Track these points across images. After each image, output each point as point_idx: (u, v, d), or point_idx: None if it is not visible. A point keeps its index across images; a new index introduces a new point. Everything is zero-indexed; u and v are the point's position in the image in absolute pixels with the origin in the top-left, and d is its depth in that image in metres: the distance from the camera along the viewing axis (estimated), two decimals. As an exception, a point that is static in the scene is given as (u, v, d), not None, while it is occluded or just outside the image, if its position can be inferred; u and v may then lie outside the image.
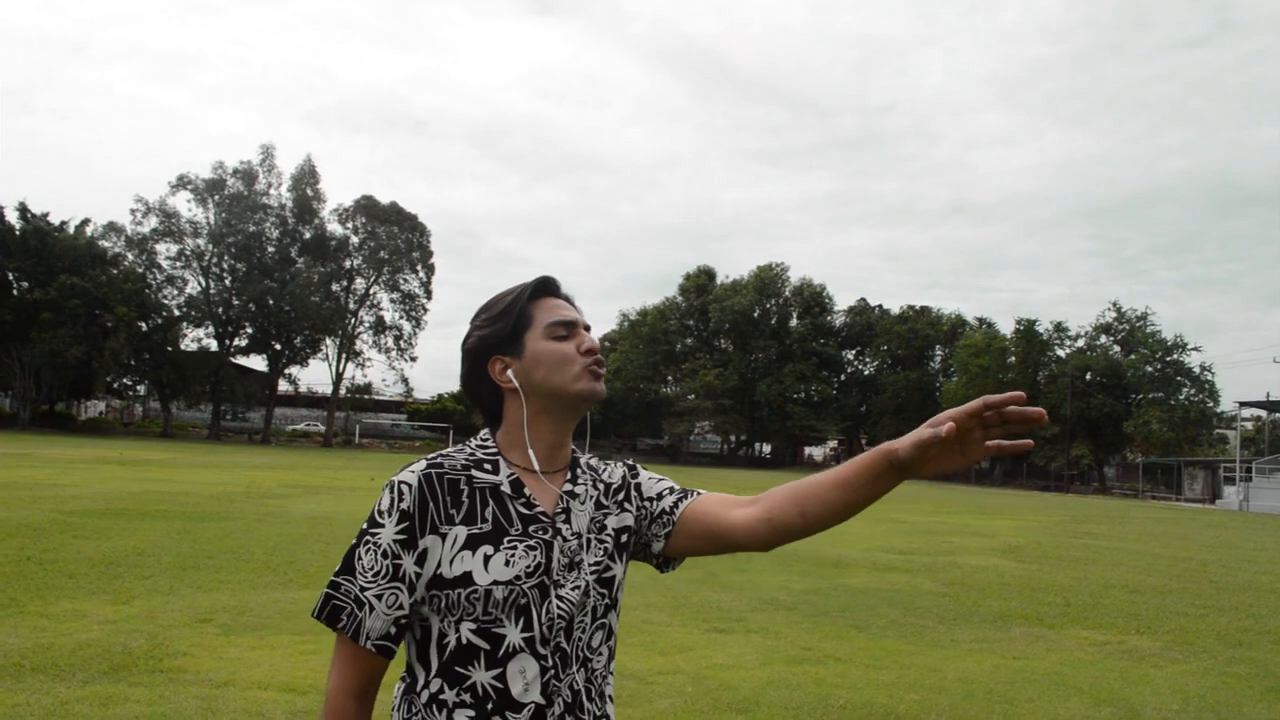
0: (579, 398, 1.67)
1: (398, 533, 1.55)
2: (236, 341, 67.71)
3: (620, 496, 1.79)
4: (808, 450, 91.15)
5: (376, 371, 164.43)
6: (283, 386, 71.60)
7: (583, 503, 1.73)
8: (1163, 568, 15.96)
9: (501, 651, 1.56)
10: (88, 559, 10.29)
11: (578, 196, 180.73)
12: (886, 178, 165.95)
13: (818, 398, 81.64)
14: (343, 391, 71.70)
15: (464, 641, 1.55)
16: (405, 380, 74.01)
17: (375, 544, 1.56)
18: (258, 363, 70.66)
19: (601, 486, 1.78)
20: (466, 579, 1.55)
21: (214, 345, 66.87)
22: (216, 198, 65.24)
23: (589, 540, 1.71)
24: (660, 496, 1.79)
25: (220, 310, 65.74)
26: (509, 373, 1.69)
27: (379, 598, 1.55)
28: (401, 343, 71.82)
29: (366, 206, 69.58)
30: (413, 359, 74.08)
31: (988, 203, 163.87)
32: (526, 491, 1.65)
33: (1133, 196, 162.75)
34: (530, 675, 1.56)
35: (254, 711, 5.47)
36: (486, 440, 1.71)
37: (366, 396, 75.27)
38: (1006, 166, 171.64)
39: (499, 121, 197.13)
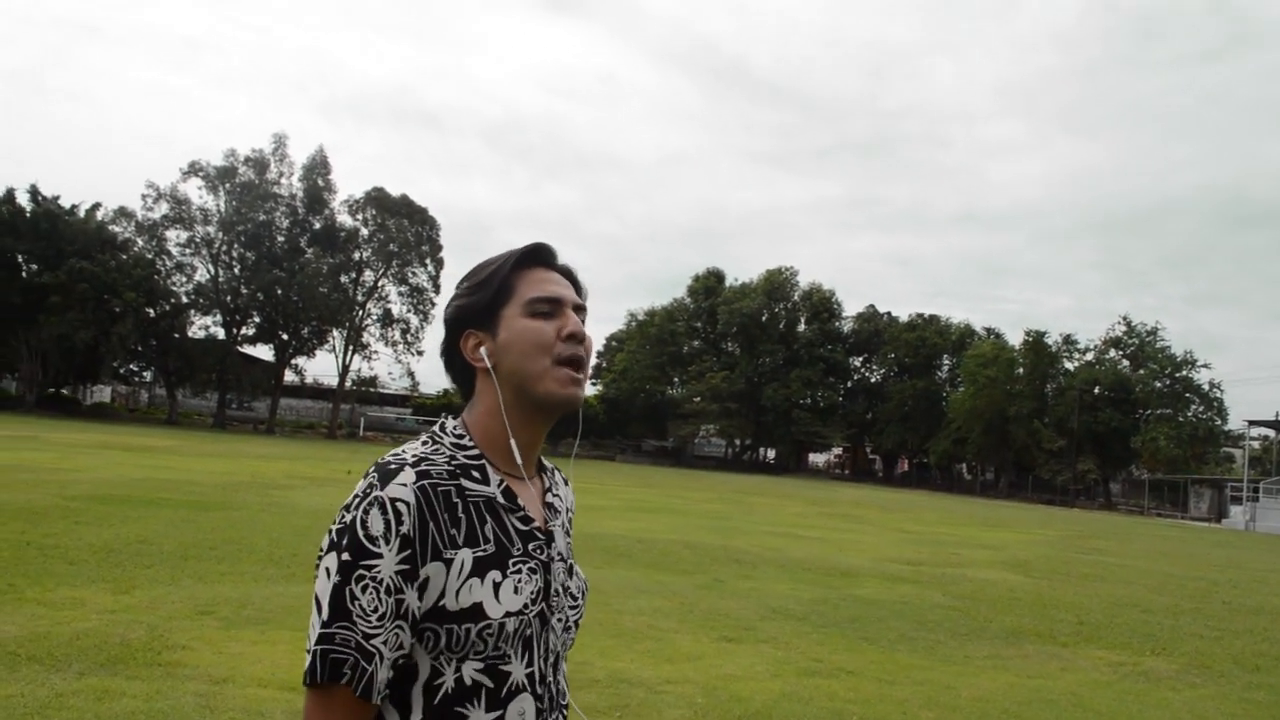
0: (547, 401, 1.44)
1: (400, 562, 1.28)
2: (244, 330, 67.49)
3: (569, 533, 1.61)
4: (812, 456, 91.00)
5: (383, 364, 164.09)
6: (289, 377, 71.41)
7: (558, 517, 1.54)
8: (1174, 587, 15.77)
9: (505, 690, 1.34)
10: (89, 545, 10.16)
11: (588, 194, 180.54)
12: (897, 183, 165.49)
13: (824, 404, 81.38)
14: (349, 384, 71.54)
15: (467, 682, 1.32)
16: (411, 374, 73.69)
17: (374, 579, 1.27)
18: (264, 352, 70.48)
19: (563, 502, 1.59)
20: (477, 611, 1.31)
21: (221, 333, 66.70)
22: (227, 185, 65.04)
23: (571, 566, 1.53)
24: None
25: (228, 298, 65.56)
26: (481, 350, 1.46)
27: (386, 644, 1.28)
28: (409, 336, 71.59)
29: (377, 198, 69.39)
30: (419, 353, 73.78)
31: (997, 211, 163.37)
32: (520, 502, 1.44)
33: (1142, 209, 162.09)
34: (529, 717, 1.37)
35: (253, 710, 5.32)
36: (463, 438, 1.45)
37: (372, 389, 75.03)
38: (1016, 175, 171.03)
39: (511, 117, 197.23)
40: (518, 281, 1.48)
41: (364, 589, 1.26)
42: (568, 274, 1.55)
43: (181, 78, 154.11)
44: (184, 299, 65.25)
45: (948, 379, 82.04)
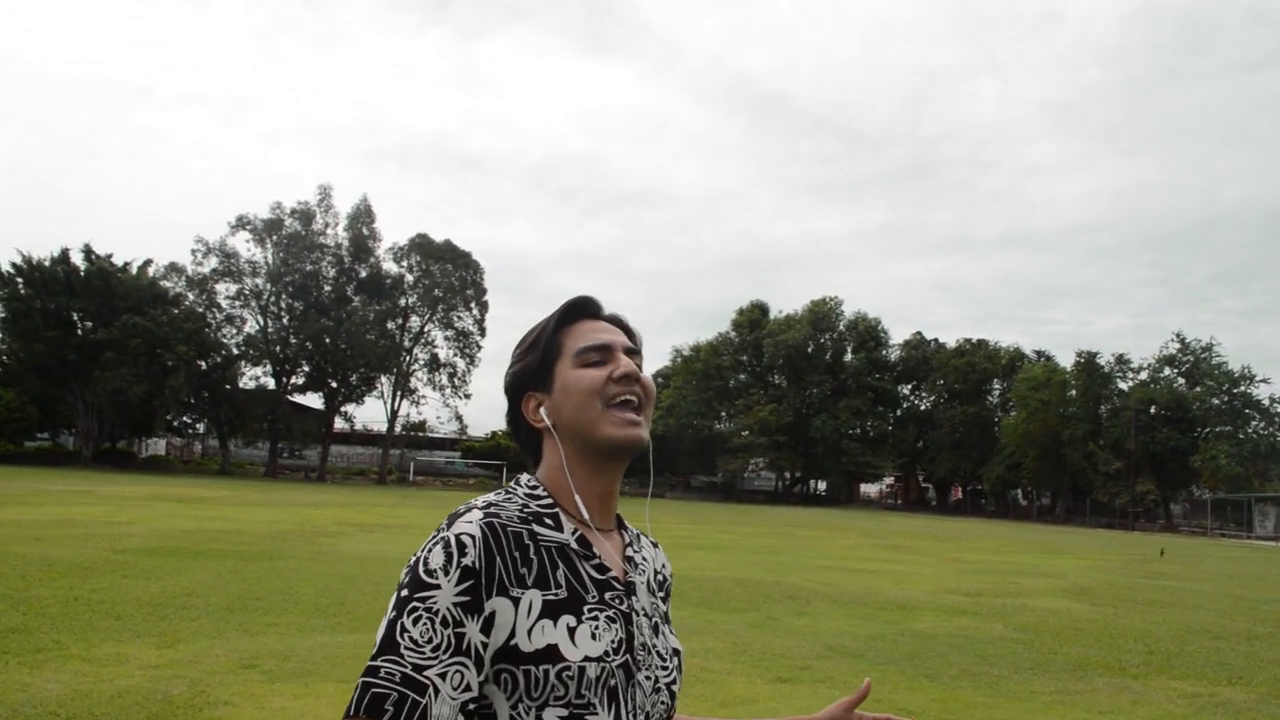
0: (606, 445, 1.39)
1: (459, 594, 1.20)
2: (294, 380, 68.30)
3: (664, 599, 1.55)
4: (863, 487, 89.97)
5: (431, 409, 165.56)
6: (338, 424, 72.00)
7: (642, 574, 1.47)
8: (1245, 611, 15.23)
9: None
10: (135, 599, 10.12)
11: (630, 231, 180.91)
12: (940, 208, 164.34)
13: (873, 433, 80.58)
14: (398, 429, 72.00)
15: None
16: (459, 417, 74.10)
17: (429, 610, 1.20)
18: (314, 400, 71.29)
19: (648, 562, 1.52)
20: (553, 653, 1.23)
21: (271, 383, 67.59)
22: (275, 238, 66.06)
23: (657, 624, 1.44)
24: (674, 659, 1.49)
25: (278, 349, 66.43)
26: (541, 410, 1.44)
27: (443, 677, 1.19)
28: (455, 380, 72.09)
29: (421, 245, 70.13)
30: (467, 396, 74.23)
31: (1044, 232, 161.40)
32: (596, 551, 1.38)
33: (1194, 223, 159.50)
34: None
35: (294, 768, 5.18)
36: (537, 489, 1.41)
37: (421, 434, 75.54)
38: (1062, 194, 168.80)
39: (552, 158, 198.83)
40: (565, 337, 1.46)
41: (415, 620, 1.20)
42: (616, 321, 1.54)
43: (230, 135, 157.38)
44: (234, 350, 66.24)
45: (999, 404, 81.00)
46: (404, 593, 1.22)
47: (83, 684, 6.60)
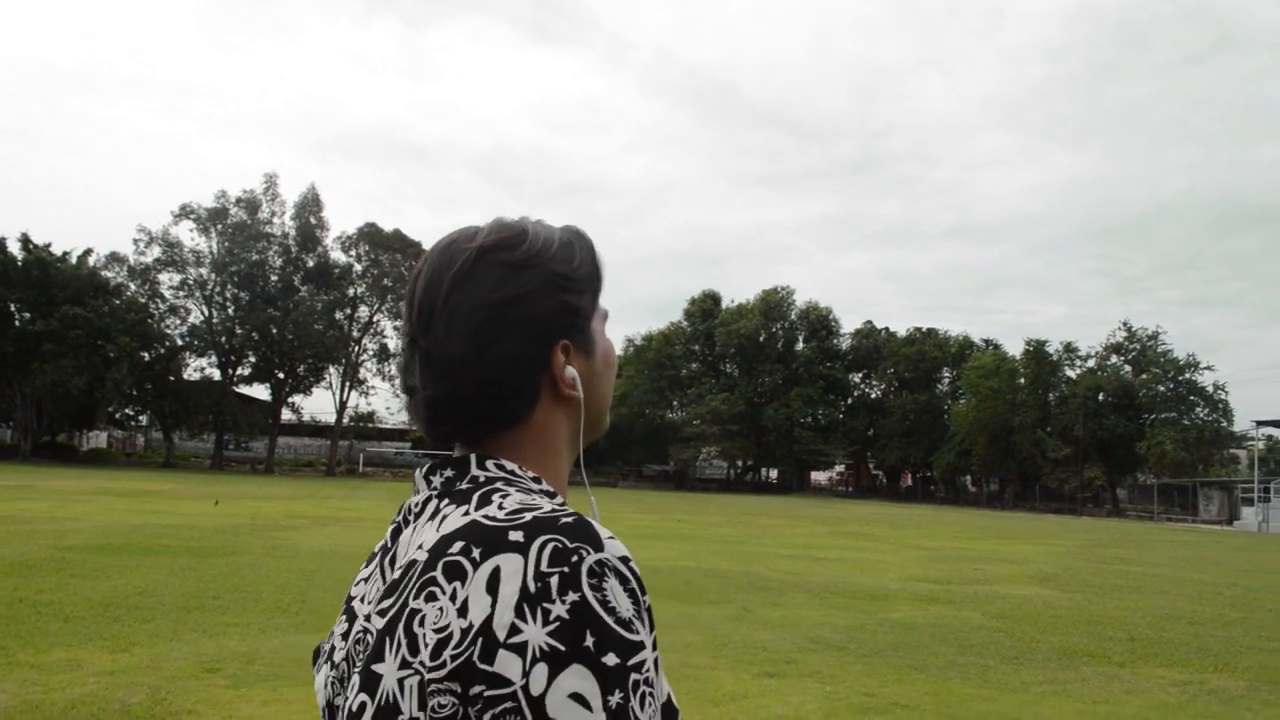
0: (595, 437, 1.07)
1: (654, 645, 0.85)
2: (239, 370, 67.03)
3: None
4: (814, 475, 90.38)
5: (380, 399, 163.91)
6: (286, 415, 70.89)
7: None
8: (1211, 595, 15.28)
9: None
10: (85, 600, 9.63)
11: (578, 221, 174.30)
12: (887, 200, 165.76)
13: (825, 421, 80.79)
14: (346, 420, 71.03)
15: None
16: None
17: (647, 682, 0.81)
18: (261, 391, 70.07)
19: None
20: (671, 709, 0.93)
21: (217, 374, 66.23)
22: (219, 227, 64.73)
23: None
24: None
25: (223, 339, 65.14)
26: (572, 373, 0.99)
27: None
28: (405, 370, 71.16)
29: (369, 234, 69.11)
30: (416, 386, 73.38)
31: (989, 224, 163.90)
32: None
33: (1135, 216, 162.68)
34: None
35: (269, 782, 4.81)
36: (540, 481, 0.97)
37: (370, 425, 74.61)
38: (1008, 187, 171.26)
39: (501, 148, 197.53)
40: None
41: (642, 700, 0.80)
42: None
43: (172, 124, 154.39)
44: (178, 341, 64.87)
45: (949, 392, 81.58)
46: (609, 659, 0.79)
47: (33, 694, 6.17)
